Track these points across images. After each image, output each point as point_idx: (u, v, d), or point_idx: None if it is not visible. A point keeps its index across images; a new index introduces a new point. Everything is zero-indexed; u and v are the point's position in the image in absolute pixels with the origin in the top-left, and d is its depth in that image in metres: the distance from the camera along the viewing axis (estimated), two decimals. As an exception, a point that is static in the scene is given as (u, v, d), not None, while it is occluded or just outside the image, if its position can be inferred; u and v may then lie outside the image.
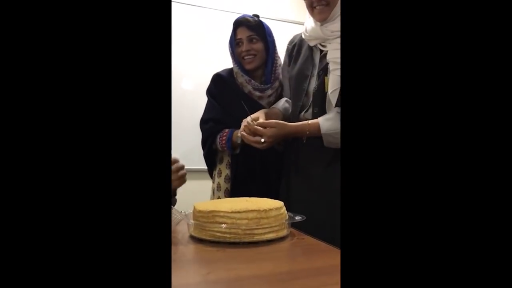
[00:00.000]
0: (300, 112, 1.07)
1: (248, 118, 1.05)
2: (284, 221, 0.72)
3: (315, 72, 1.06)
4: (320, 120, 1.00)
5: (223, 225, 0.67)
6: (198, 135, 1.27)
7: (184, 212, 0.77)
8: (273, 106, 1.20)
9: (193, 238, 0.72)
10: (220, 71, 1.30)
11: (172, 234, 0.72)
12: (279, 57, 1.28)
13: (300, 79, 1.09)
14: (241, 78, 1.22)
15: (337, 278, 0.50)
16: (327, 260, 0.57)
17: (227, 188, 1.20)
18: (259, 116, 1.07)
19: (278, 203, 0.74)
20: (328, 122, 0.98)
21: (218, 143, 1.19)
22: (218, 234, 0.68)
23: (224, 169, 1.22)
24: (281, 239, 0.70)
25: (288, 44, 1.23)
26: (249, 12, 1.35)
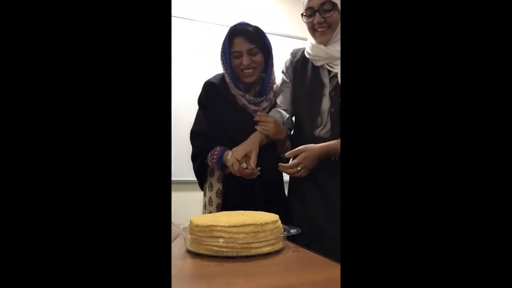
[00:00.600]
0: (315, 130, 1.08)
1: (234, 158, 1.02)
2: (280, 234, 0.73)
3: (327, 92, 1.07)
4: None
5: (221, 240, 0.68)
6: (189, 145, 1.20)
7: (182, 226, 0.78)
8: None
9: (190, 253, 0.72)
10: (212, 79, 1.21)
11: (170, 249, 0.72)
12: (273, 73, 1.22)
13: (312, 99, 1.09)
14: (235, 91, 1.15)
15: (335, 291, 0.51)
16: (323, 274, 0.58)
17: (219, 203, 1.14)
18: (250, 150, 1.04)
19: (274, 217, 0.75)
20: None
21: (209, 161, 1.13)
22: (216, 248, 0.68)
23: (215, 183, 1.16)
24: (277, 252, 0.71)
25: (290, 57, 1.20)
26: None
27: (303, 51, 1.16)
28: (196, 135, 1.19)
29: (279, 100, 1.19)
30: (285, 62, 1.22)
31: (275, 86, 1.22)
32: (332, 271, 0.59)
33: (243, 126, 1.12)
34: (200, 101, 1.21)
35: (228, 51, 1.15)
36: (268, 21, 2.71)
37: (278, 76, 1.24)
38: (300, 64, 1.16)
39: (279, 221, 0.75)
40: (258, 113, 1.13)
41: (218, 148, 1.12)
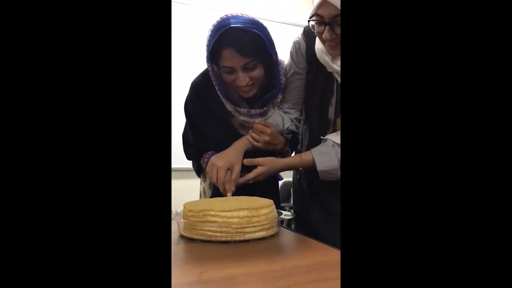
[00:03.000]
0: (326, 131, 0.94)
1: (216, 174, 0.87)
2: (274, 219, 0.70)
3: (334, 102, 0.92)
4: (314, 154, 0.88)
5: (215, 224, 0.65)
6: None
7: (176, 210, 0.75)
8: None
9: (184, 238, 0.69)
10: (200, 84, 0.95)
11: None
12: (282, 67, 0.96)
13: (322, 107, 0.94)
14: (231, 107, 0.93)
15: (329, 274, 0.49)
16: (318, 257, 0.56)
17: (211, 195, 1.05)
18: (232, 164, 0.88)
19: (268, 202, 0.72)
20: (324, 158, 0.87)
21: (202, 163, 1.01)
22: (209, 233, 0.66)
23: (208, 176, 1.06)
24: (271, 236, 0.69)
25: (304, 39, 0.94)
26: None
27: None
28: (186, 144, 1.05)
29: (288, 95, 0.98)
30: (295, 44, 0.95)
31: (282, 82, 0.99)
32: (326, 254, 0.57)
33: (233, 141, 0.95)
34: (186, 108, 1.00)
35: (213, 62, 0.87)
36: (274, 7, 2.44)
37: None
38: (315, 60, 0.91)
39: (273, 206, 0.73)
40: (257, 121, 0.94)
41: (209, 152, 0.98)
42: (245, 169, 0.90)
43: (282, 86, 0.96)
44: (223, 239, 0.66)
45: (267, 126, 0.93)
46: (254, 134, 0.92)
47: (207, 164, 0.97)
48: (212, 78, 0.90)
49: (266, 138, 0.92)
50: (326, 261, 0.53)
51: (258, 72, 0.86)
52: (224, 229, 0.66)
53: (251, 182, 0.88)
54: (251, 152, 0.94)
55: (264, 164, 0.88)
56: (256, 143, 0.92)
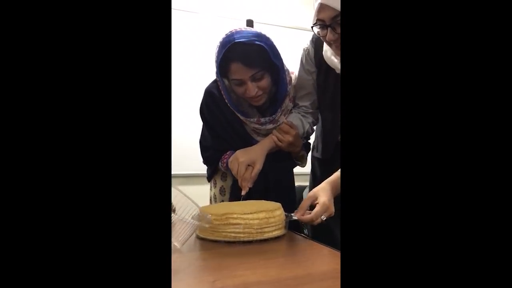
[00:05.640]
0: (339, 135, 0.90)
1: (237, 165, 0.84)
2: (283, 219, 0.72)
3: None
4: None
5: (240, 226, 0.66)
6: (194, 139, 1.05)
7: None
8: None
9: (204, 240, 0.69)
10: (213, 88, 0.93)
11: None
12: (289, 74, 0.93)
13: (334, 109, 0.91)
14: (242, 118, 0.91)
15: (343, 282, 0.46)
16: (331, 265, 0.51)
17: (222, 200, 0.99)
18: (254, 161, 0.85)
19: (278, 204, 0.73)
20: None
21: (221, 166, 0.95)
22: (233, 234, 0.66)
23: (219, 180, 1.01)
24: (283, 238, 0.69)
25: (312, 47, 0.93)
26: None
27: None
28: (204, 147, 1.01)
29: (301, 101, 0.95)
30: (305, 51, 0.94)
31: (293, 77, 0.96)
32: (339, 262, 0.53)
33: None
34: (202, 113, 0.97)
35: (223, 76, 0.86)
36: (280, 11, 2.22)
37: (290, 65, 0.96)
38: (325, 62, 0.89)
39: (282, 208, 0.73)
40: (284, 121, 0.91)
41: (228, 153, 0.93)
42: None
43: (288, 93, 0.92)
44: (246, 239, 0.66)
45: (292, 128, 0.90)
46: (278, 134, 0.89)
47: (226, 164, 0.92)
48: (222, 92, 0.89)
49: (290, 139, 0.88)
50: (339, 268, 0.49)
51: (265, 82, 0.85)
52: (246, 230, 0.66)
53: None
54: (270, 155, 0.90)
55: (316, 195, 0.73)
56: (279, 143, 0.89)
